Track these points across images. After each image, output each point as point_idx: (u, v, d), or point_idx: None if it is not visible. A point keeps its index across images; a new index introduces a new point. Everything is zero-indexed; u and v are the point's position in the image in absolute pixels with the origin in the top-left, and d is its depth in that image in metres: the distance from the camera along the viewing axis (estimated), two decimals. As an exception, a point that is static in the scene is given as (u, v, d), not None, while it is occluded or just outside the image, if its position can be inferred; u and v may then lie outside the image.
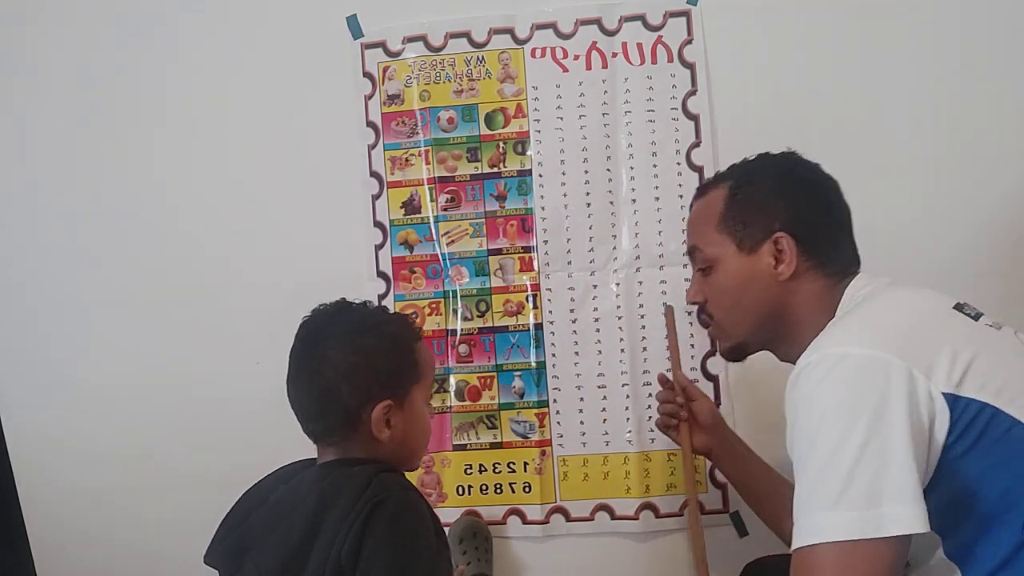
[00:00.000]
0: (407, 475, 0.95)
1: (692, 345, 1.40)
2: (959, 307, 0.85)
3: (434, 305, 1.45)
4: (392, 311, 0.97)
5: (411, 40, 1.43)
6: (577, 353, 1.42)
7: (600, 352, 1.42)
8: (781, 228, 0.95)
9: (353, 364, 0.91)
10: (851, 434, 0.73)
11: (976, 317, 0.84)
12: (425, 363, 0.98)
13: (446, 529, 1.39)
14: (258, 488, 0.96)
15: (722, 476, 1.38)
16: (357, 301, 0.98)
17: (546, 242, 1.43)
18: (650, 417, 1.40)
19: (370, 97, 1.45)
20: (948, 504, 0.75)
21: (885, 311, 0.85)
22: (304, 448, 0.96)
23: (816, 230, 0.95)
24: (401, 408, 0.94)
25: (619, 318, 1.41)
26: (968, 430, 0.74)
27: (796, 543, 0.74)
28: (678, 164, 1.41)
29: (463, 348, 1.44)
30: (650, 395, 1.40)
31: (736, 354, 1.04)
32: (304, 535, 0.82)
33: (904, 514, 0.71)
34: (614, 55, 1.41)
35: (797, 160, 1.00)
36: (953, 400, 0.74)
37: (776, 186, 0.97)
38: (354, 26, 1.44)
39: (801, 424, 0.78)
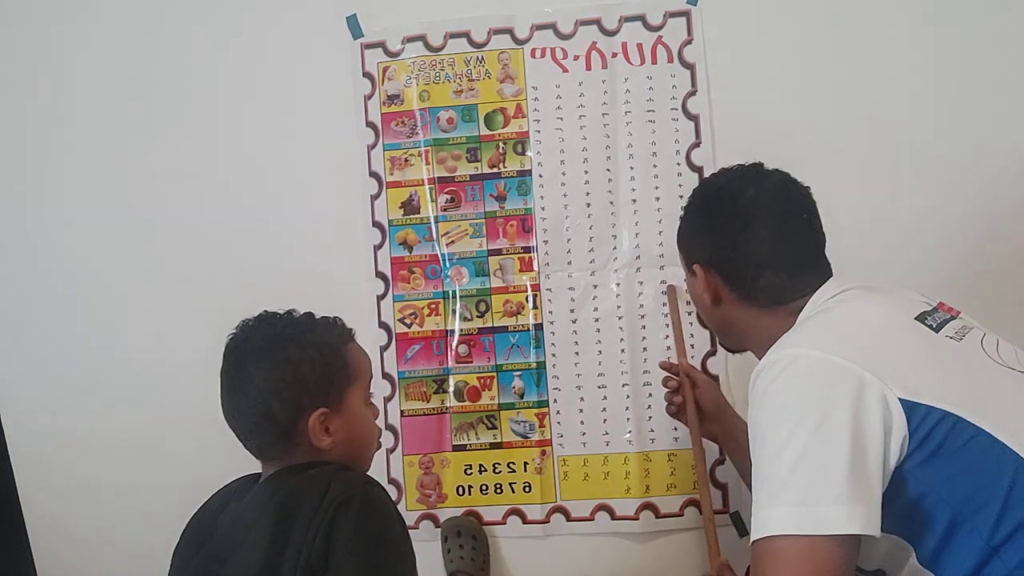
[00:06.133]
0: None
1: (692, 345, 1.40)
2: (922, 317, 0.86)
3: (433, 305, 1.45)
4: (319, 316, 0.97)
5: (411, 40, 1.43)
6: (577, 353, 1.42)
7: (600, 352, 1.42)
8: (698, 261, 1.01)
9: (278, 379, 0.89)
10: (796, 434, 0.76)
11: (939, 327, 0.85)
12: (357, 364, 0.97)
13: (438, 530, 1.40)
14: (204, 513, 0.95)
15: (722, 477, 1.39)
16: (281, 311, 0.96)
17: (546, 242, 1.43)
18: (650, 417, 1.40)
19: (370, 97, 1.44)
20: (913, 512, 0.76)
21: (845, 320, 0.86)
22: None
23: (733, 266, 0.97)
24: (339, 413, 0.93)
25: (619, 318, 1.41)
26: (929, 438, 0.75)
27: (751, 538, 0.78)
28: (678, 164, 1.41)
29: (463, 348, 1.44)
30: (650, 395, 1.40)
31: (726, 348, 1.17)
32: (271, 547, 0.82)
33: (840, 514, 0.72)
34: (614, 55, 1.41)
35: (723, 192, 1.00)
36: (911, 407, 0.75)
37: (694, 222, 1.03)
38: (354, 26, 1.44)
39: (754, 422, 0.81)
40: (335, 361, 0.94)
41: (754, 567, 0.77)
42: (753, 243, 0.95)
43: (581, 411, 1.42)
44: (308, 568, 0.80)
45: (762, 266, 0.95)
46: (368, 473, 0.96)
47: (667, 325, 1.39)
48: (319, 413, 0.91)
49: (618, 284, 1.42)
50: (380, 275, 1.45)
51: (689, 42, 1.40)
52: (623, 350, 1.41)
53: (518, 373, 1.43)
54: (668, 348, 1.40)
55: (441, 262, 1.44)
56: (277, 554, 0.82)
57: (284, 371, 0.89)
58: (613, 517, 1.41)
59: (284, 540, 0.82)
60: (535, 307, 1.43)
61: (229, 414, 0.93)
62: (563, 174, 1.42)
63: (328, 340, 0.95)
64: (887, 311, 0.87)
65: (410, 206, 1.45)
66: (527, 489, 1.42)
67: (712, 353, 1.40)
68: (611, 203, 1.42)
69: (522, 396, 1.43)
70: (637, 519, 1.40)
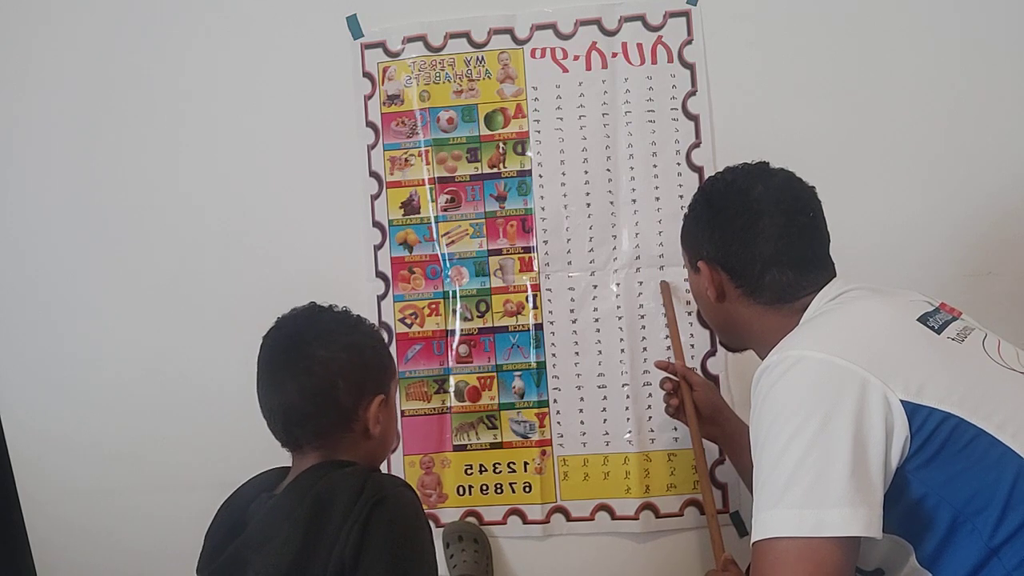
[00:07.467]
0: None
1: (692, 345, 1.40)
2: (924, 318, 0.86)
3: (434, 305, 1.45)
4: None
5: (411, 40, 1.43)
6: (577, 353, 1.42)
7: (600, 352, 1.42)
8: (704, 257, 1.00)
9: (346, 361, 0.92)
10: (798, 436, 0.76)
11: (941, 328, 0.85)
12: (394, 362, 1.03)
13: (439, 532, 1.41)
14: (237, 501, 0.95)
15: (722, 477, 1.39)
16: (326, 304, 0.99)
17: (546, 242, 1.43)
18: (650, 417, 1.41)
19: (370, 97, 1.44)
20: (914, 512, 0.76)
21: (848, 321, 0.86)
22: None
23: (739, 261, 0.97)
24: (386, 404, 0.96)
25: (619, 318, 1.41)
26: (931, 440, 0.75)
27: (752, 539, 0.78)
28: (678, 164, 1.41)
29: (463, 348, 1.44)
30: (650, 395, 1.40)
31: (726, 347, 1.16)
32: (304, 540, 0.82)
33: (841, 516, 0.73)
34: (614, 55, 1.41)
35: (731, 189, 1.00)
36: (913, 409, 0.75)
37: (701, 217, 1.02)
38: (354, 26, 1.44)
39: (757, 423, 0.82)
40: (388, 352, 0.99)
41: (755, 568, 0.77)
42: (760, 239, 0.95)
43: (581, 411, 1.42)
44: (340, 562, 0.81)
45: (768, 263, 0.95)
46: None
47: (667, 325, 1.39)
48: (380, 399, 0.94)
49: (618, 284, 1.42)
50: (380, 275, 1.45)
51: (689, 42, 1.40)
52: (623, 350, 1.41)
53: (518, 373, 1.43)
54: (668, 348, 1.40)
55: (441, 262, 1.44)
56: (311, 547, 0.82)
57: (352, 354, 0.92)
58: (613, 517, 1.41)
59: (318, 533, 0.83)
60: (535, 307, 1.43)
61: (277, 401, 0.92)
62: (563, 174, 1.42)
63: (378, 333, 1.00)
64: (890, 313, 0.87)
65: (410, 206, 1.45)
66: (527, 489, 1.42)
67: (712, 353, 1.40)
68: (611, 203, 1.42)
69: (522, 396, 1.43)
70: (637, 519, 1.40)
